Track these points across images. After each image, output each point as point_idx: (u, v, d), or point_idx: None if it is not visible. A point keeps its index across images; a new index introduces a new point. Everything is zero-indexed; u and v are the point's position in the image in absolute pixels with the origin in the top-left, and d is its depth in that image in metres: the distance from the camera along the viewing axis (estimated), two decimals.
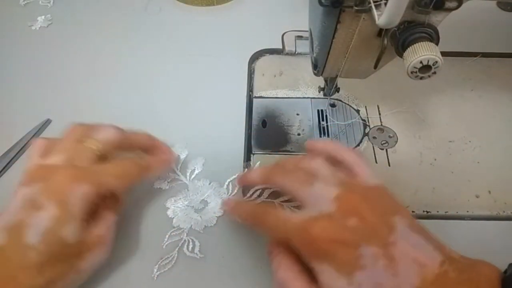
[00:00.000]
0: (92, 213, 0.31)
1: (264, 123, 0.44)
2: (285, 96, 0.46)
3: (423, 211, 0.37)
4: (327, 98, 0.45)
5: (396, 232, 0.26)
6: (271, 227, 0.29)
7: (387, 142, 0.42)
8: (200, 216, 0.36)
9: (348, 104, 0.45)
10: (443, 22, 0.29)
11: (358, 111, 0.44)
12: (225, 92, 0.46)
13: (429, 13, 0.28)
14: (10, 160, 0.40)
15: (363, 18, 0.29)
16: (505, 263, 0.27)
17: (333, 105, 0.45)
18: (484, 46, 0.49)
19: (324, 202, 0.28)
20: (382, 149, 0.41)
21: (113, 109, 0.45)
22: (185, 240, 0.35)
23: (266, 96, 0.46)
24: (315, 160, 0.31)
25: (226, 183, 0.38)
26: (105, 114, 0.44)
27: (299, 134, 0.43)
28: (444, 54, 0.28)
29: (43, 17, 0.55)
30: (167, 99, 0.46)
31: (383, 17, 0.26)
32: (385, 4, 0.25)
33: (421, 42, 0.28)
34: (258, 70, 0.49)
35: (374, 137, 0.42)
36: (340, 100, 0.45)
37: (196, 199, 0.37)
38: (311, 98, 0.46)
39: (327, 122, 0.44)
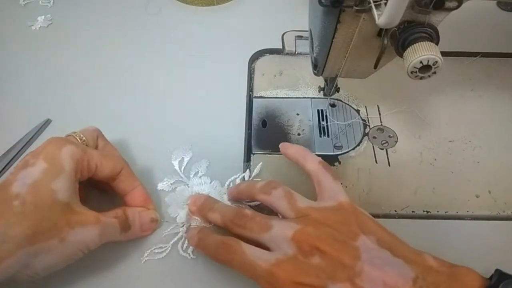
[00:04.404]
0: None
1: (264, 123, 0.44)
2: (285, 96, 0.46)
3: (423, 211, 0.37)
4: (327, 98, 0.45)
5: (361, 257, 0.26)
6: (238, 268, 0.29)
7: (387, 142, 0.42)
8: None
9: (348, 104, 0.45)
10: (443, 22, 0.29)
11: (358, 111, 0.44)
12: (225, 92, 0.46)
13: (429, 13, 0.28)
14: (10, 160, 0.40)
15: (363, 18, 0.29)
16: (505, 263, 0.26)
17: (333, 105, 0.45)
18: (484, 46, 0.49)
19: (283, 244, 0.28)
20: (382, 149, 0.41)
21: (113, 109, 0.45)
22: (181, 237, 0.35)
23: (266, 96, 0.46)
24: (271, 195, 0.31)
25: (227, 182, 0.38)
26: (104, 114, 0.45)
27: (299, 134, 0.43)
28: (444, 54, 0.28)
29: (43, 17, 0.55)
30: (167, 99, 0.46)
31: (383, 17, 0.26)
32: (385, 4, 0.25)
33: (421, 42, 0.28)
34: (258, 70, 0.49)
35: (374, 137, 0.42)
36: (340, 100, 0.45)
37: None
38: (311, 98, 0.46)
39: (327, 122, 0.44)
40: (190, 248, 0.34)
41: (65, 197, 0.28)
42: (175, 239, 0.35)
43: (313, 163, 0.33)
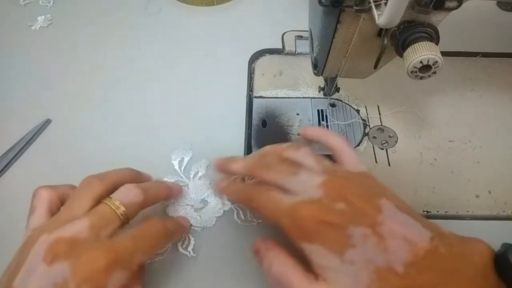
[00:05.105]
0: None
1: (264, 123, 0.44)
2: (285, 96, 0.46)
3: (423, 211, 0.37)
4: (327, 98, 0.45)
5: (383, 212, 0.27)
6: (263, 207, 0.29)
7: (387, 142, 0.42)
8: (200, 216, 0.36)
9: (348, 104, 0.45)
10: (443, 22, 0.29)
11: (358, 111, 0.44)
12: (225, 92, 0.46)
13: (429, 13, 0.28)
14: (10, 160, 0.40)
15: (363, 18, 0.29)
16: None
17: (333, 105, 0.45)
18: (484, 46, 0.49)
19: (310, 189, 0.28)
20: (382, 149, 0.41)
21: (113, 109, 0.45)
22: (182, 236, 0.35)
23: (266, 96, 0.46)
24: (300, 151, 0.31)
25: None
26: (104, 115, 0.45)
27: (299, 134, 0.43)
28: (444, 54, 0.28)
29: (43, 17, 0.55)
30: (167, 98, 0.46)
31: (383, 17, 0.26)
32: (385, 4, 0.25)
33: (421, 42, 0.28)
34: (258, 70, 0.49)
35: (374, 137, 0.42)
36: (340, 100, 0.45)
37: (196, 198, 0.37)
38: (311, 98, 0.46)
39: (327, 122, 0.44)
40: (191, 246, 0.34)
41: None
42: None
43: (335, 137, 0.33)
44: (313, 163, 0.30)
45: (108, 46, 0.52)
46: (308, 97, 0.46)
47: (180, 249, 0.34)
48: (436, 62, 0.28)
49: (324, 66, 0.36)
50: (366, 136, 0.42)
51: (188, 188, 0.38)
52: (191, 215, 0.36)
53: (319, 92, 0.44)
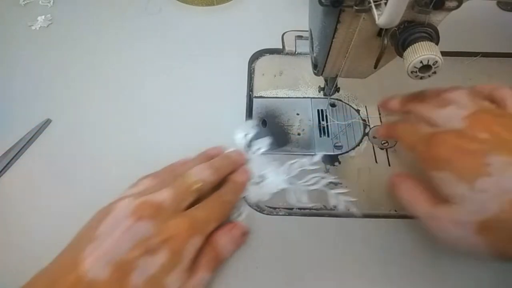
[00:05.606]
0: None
1: (264, 123, 0.44)
2: (285, 96, 0.46)
3: None
4: (327, 98, 0.45)
5: None
6: (404, 135, 0.32)
7: (387, 142, 0.42)
8: (256, 189, 0.38)
9: (348, 104, 0.45)
10: (443, 22, 0.29)
11: (358, 111, 0.44)
12: (225, 92, 0.46)
13: (429, 13, 0.28)
14: (10, 160, 0.40)
15: (363, 18, 0.29)
16: (505, 263, 0.26)
17: (333, 105, 0.45)
18: (484, 46, 0.49)
19: (455, 121, 0.29)
20: (382, 149, 0.41)
21: (113, 109, 0.45)
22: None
23: (266, 96, 0.46)
24: (458, 90, 0.32)
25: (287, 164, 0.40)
26: (104, 114, 0.45)
27: (299, 134, 0.43)
28: (444, 54, 0.28)
29: (43, 17, 0.55)
30: (167, 98, 0.46)
31: (383, 17, 0.26)
32: (385, 3, 0.25)
33: (421, 42, 0.28)
34: (258, 70, 0.49)
35: (374, 137, 0.42)
36: (340, 100, 0.45)
37: (255, 172, 0.39)
38: (311, 98, 0.46)
39: (327, 122, 0.44)
40: (242, 216, 0.36)
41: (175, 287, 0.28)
42: None
43: (500, 88, 0.33)
44: (466, 100, 0.31)
45: (108, 46, 0.52)
46: (308, 97, 0.46)
47: (234, 218, 0.36)
48: (436, 62, 0.28)
49: (324, 66, 0.36)
50: (366, 136, 0.42)
51: (248, 163, 0.39)
52: (247, 188, 0.37)
53: (319, 92, 0.44)
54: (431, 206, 0.29)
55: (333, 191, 0.37)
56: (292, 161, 0.39)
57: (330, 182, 0.38)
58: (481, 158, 0.26)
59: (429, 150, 0.28)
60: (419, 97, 0.34)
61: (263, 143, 0.41)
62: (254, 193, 0.37)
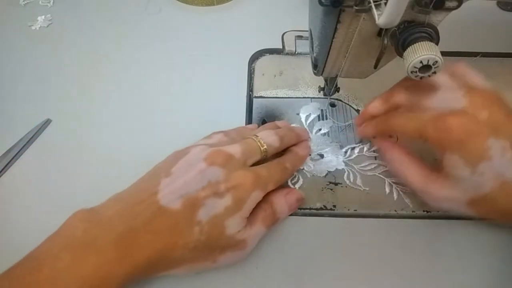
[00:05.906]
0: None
1: (264, 123, 0.44)
2: (285, 96, 0.46)
3: (423, 211, 0.37)
4: (327, 98, 0.45)
5: None
6: (403, 125, 0.32)
7: None
8: (313, 165, 0.39)
9: (348, 104, 0.45)
10: (443, 22, 0.29)
11: (358, 111, 0.44)
12: (225, 92, 0.46)
13: (429, 13, 0.28)
14: (10, 160, 0.40)
15: (363, 18, 0.29)
16: (506, 263, 0.27)
17: (333, 105, 0.45)
18: (484, 46, 0.49)
19: (453, 100, 0.30)
20: None
21: (113, 109, 0.45)
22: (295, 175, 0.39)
23: (266, 96, 0.46)
24: (436, 74, 0.32)
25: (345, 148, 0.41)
26: (104, 114, 0.45)
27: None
28: (444, 54, 0.28)
29: (43, 17, 0.55)
30: (167, 98, 0.46)
31: (383, 17, 0.26)
32: (385, 3, 0.25)
33: (421, 42, 0.28)
34: (258, 70, 0.49)
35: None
36: (340, 100, 0.45)
37: (315, 150, 0.41)
38: (311, 98, 0.46)
39: None
40: (298, 184, 0.38)
41: (233, 232, 0.30)
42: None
43: (457, 64, 0.34)
44: (448, 80, 0.32)
45: (108, 46, 0.52)
46: (308, 97, 0.46)
47: (289, 184, 0.38)
48: (436, 62, 0.28)
49: (324, 66, 0.36)
50: None
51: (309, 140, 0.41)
52: (306, 162, 0.39)
53: (319, 92, 0.44)
54: (424, 182, 0.32)
55: (390, 179, 0.38)
56: (353, 145, 0.41)
57: (387, 171, 0.39)
58: (485, 141, 0.27)
59: (441, 131, 0.29)
60: (400, 90, 0.35)
61: (325, 125, 0.43)
62: (312, 167, 0.39)
